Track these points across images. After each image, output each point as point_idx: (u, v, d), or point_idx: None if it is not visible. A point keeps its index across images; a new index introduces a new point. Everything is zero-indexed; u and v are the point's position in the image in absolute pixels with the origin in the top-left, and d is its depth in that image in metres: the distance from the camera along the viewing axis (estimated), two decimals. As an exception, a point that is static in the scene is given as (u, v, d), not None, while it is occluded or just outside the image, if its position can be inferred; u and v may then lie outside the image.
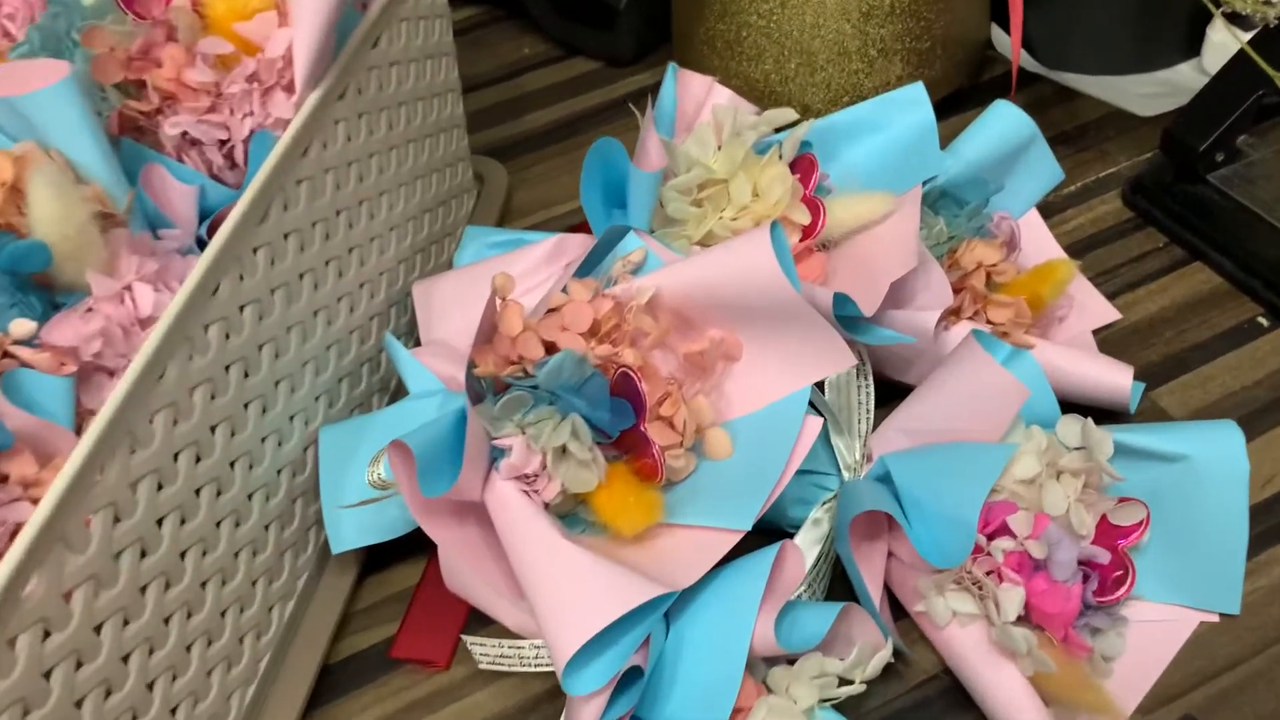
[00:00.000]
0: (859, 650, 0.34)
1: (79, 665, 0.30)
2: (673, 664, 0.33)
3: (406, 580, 0.44)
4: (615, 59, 0.68)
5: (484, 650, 0.39)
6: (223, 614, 0.37)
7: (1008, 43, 0.61)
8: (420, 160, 0.51)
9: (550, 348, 0.37)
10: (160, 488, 0.33)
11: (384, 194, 0.47)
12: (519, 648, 0.39)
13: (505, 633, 0.40)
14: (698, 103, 0.47)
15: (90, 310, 0.34)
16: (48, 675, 0.29)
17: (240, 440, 0.37)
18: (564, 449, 0.35)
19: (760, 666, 0.35)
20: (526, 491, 0.36)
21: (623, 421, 0.35)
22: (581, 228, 0.55)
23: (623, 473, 0.36)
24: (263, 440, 0.39)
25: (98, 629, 0.31)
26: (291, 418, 0.41)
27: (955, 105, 0.60)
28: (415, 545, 0.44)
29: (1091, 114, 0.61)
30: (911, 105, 0.47)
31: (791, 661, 0.34)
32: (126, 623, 0.32)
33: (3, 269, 0.32)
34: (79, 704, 0.31)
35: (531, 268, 0.47)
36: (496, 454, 0.36)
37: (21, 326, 0.33)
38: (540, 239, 0.49)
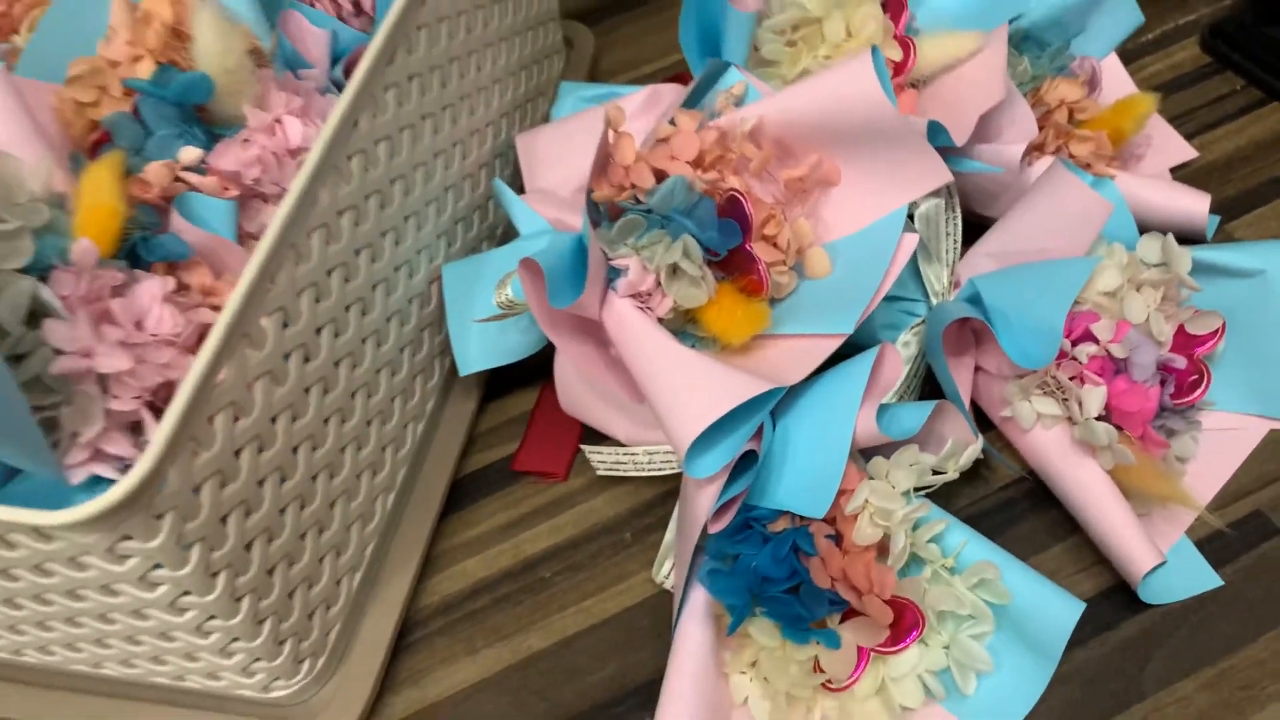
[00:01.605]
0: (952, 444, 0.37)
1: (260, 449, 0.35)
2: (780, 454, 0.37)
3: (522, 406, 0.48)
4: (694, -78, 0.69)
5: (601, 458, 0.43)
6: (368, 423, 0.41)
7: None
8: (518, 17, 0.53)
9: (660, 175, 0.40)
10: (318, 300, 0.37)
11: (489, 47, 0.50)
12: (632, 454, 0.43)
13: (616, 444, 0.44)
14: (787, -50, 0.49)
15: (247, 140, 0.37)
16: (237, 454, 0.33)
17: (379, 267, 0.41)
18: (676, 268, 0.38)
19: (859, 458, 0.38)
20: (641, 308, 0.39)
21: (730, 241, 0.38)
22: (675, 78, 0.57)
23: (729, 290, 0.39)
24: (396, 269, 0.43)
25: (274, 419, 0.35)
26: (419, 252, 0.45)
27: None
28: (530, 374, 0.48)
29: (1173, -39, 0.61)
30: (998, -54, 0.48)
31: (887, 455, 0.38)
32: (295, 419, 0.36)
33: (171, 100, 0.36)
34: (261, 483, 0.35)
35: (630, 116, 0.50)
36: (613, 274, 0.39)
37: (190, 153, 0.36)
38: (635, 90, 0.51)
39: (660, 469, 0.42)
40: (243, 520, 0.34)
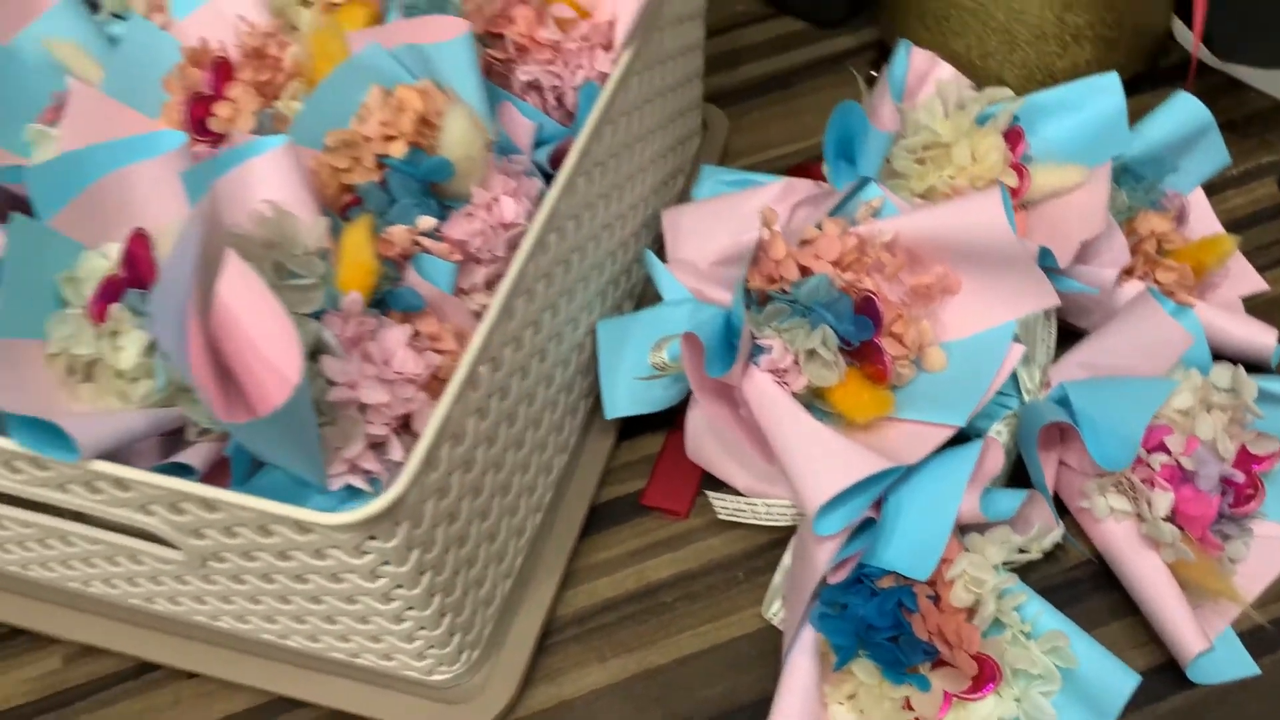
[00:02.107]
0: (1038, 528, 0.44)
1: (466, 471, 0.42)
2: (893, 521, 0.43)
3: (650, 448, 0.55)
4: (823, 21, 0.76)
5: (723, 504, 0.50)
6: (531, 452, 0.48)
7: (1188, 35, 0.68)
8: (672, 106, 0.60)
9: (804, 270, 0.47)
10: (516, 350, 0.44)
11: (650, 134, 0.57)
12: (752, 504, 0.49)
13: (735, 493, 0.51)
14: (920, 74, 0.56)
15: (470, 214, 0.45)
16: (450, 474, 0.40)
17: (556, 322, 0.48)
18: (813, 352, 0.45)
19: (958, 532, 0.44)
20: (779, 382, 0.46)
21: (863, 334, 0.45)
22: (796, 170, 0.64)
23: (857, 375, 0.46)
24: (566, 324, 0.50)
25: (475, 447, 0.42)
26: (582, 309, 0.52)
27: (1134, 88, 0.67)
28: (659, 421, 0.55)
29: (1257, 105, 0.67)
30: (1106, 92, 0.54)
31: (981, 531, 0.44)
32: (489, 447, 0.43)
33: (418, 178, 0.43)
34: (460, 500, 0.42)
35: (765, 203, 0.57)
36: (756, 350, 0.46)
37: (426, 222, 0.44)
38: (770, 180, 0.59)
39: (776, 520, 0.49)
40: (446, 529, 0.41)
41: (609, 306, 0.56)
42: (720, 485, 0.52)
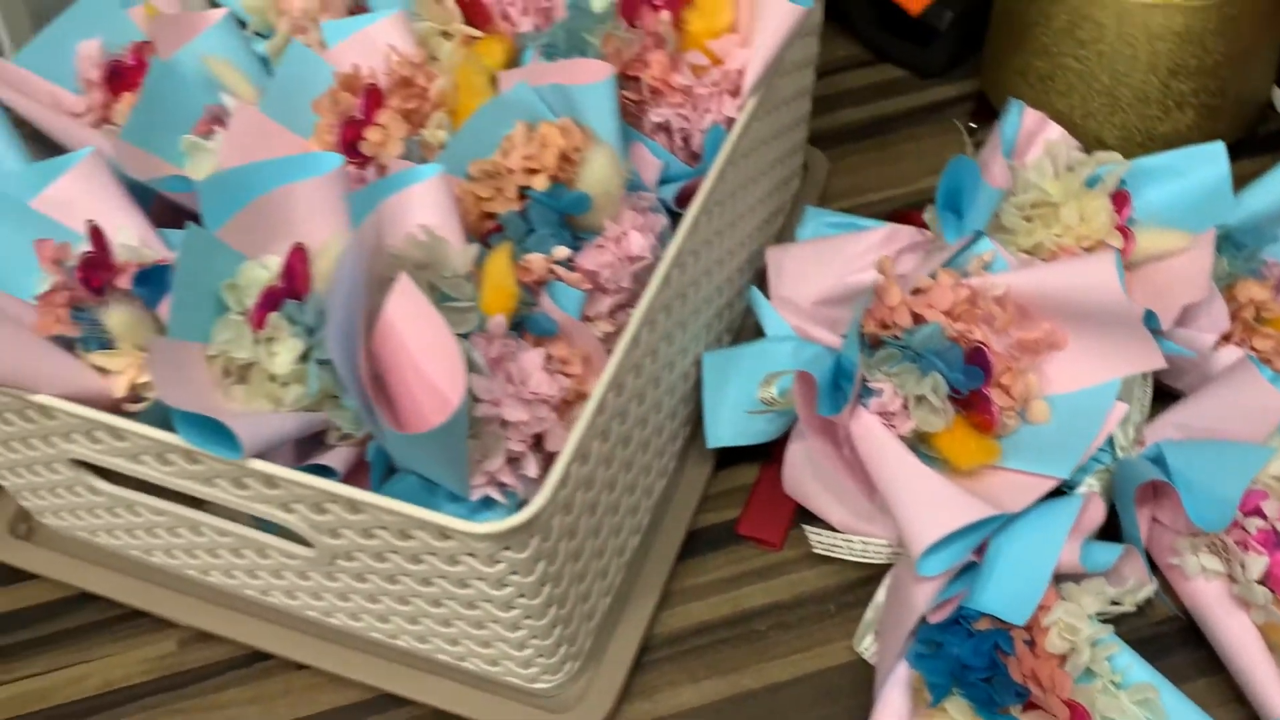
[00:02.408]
0: (1132, 583, 0.45)
1: (586, 490, 0.44)
2: (992, 566, 0.45)
3: (745, 477, 0.57)
4: (923, 71, 0.78)
5: (819, 538, 0.52)
6: (638, 474, 0.51)
7: (1288, 103, 0.69)
8: (781, 148, 0.63)
9: (917, 318, 0.48)
10: (637, 377, 0.46)
11: (762, 174, 0.59)
12: (849, 540, 0.51)
13: (830, 528, 0.52)
14: (1030, 133, 0.57)
15: (601, 246, 0.47)
16: (574, 491, 0.43)
17: (671, 351, 0.50)
18: (922, 397, 0.47)
19: (1054, 581, 0.46)
20: (887, 424, 0.47)
21: (972, 384, 0.47)
22: (897, 216, 0.66)
23: (963, 423, 0.48)
24: (678, 353, 0.52)
25: (595, 467, 0.44)
26: (692, 339, 0.54)
27: (1233, 154, 0.68)
28: (754, 451, 0.57)
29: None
30: (1211, 160, 0.56)
31: (1077, 581, 0.46)
32: (608, 468, 0.46)
33: (557, 210, 0.46)
34: (579, 516, 0.44)
35: (869, 249, 0.59)
36: (865, 393, 0.48)
37: (562, 252, 0.46)
38: (874, 225, 0.60)
39: (871, 558, 0.51)
40: (566, 544, 0.43)
41: (712, 338, 0.58)
42: (813, 518, 0.54)
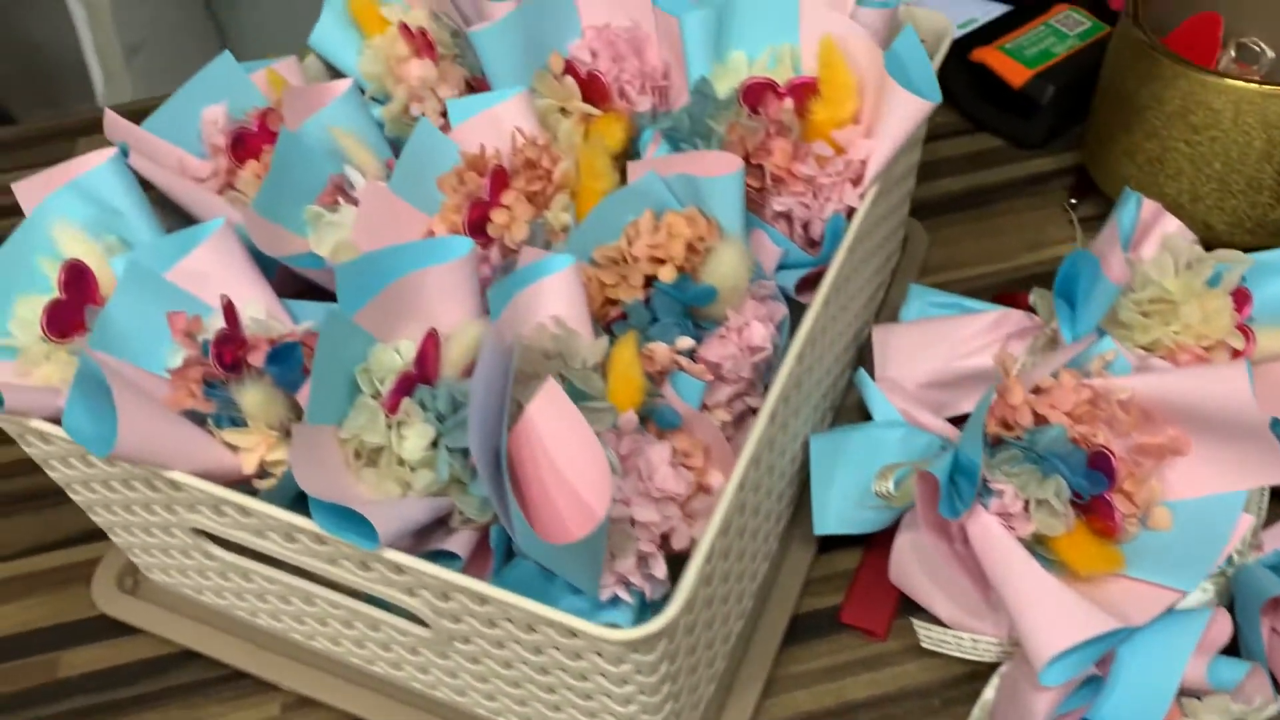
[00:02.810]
0: (1259, 700, 0.44)
1: (708, 584, 0.44)
2: (1115, 680, 0.44)
3: (848, 562, 0.57)
4: (1023, 143, 0.77)
5: (929, 633, 0.51)
6: (746, 560, 0.50)
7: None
8: (889, 226, 0.62)
9: (1038, 419, 0.48)
10: (757, 467, 0.46)
11: (872, 254, 0.59)
12: (959, 637, 0.51)
13: (934, 620, 0.52)
14: (1145, 224, 0.57)
15: (723, 336, 0.47)
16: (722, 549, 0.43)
17: (784, 439, 0.50)
18: (1044, 501, 0.47)
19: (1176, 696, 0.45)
20: (1006, 526, 0.47)
21: (1096, 489, 0.46)
22: (1003, 297, 0.66)
23: (1083, 527, 0.47)
24: (791, 440, 0.52)
25: (725, 552, 0.44)
26: (804, 424, 0.54)
27: (1343, 242, 0.68)
28: (855, 537, 0.56)
29: None
30: (1334, 257, 0.55)
31: (1199, 696, 0.45)
32: (725, 559, 0.45)
33: (685, 301, 0.46)
34: (698, 609, 0.44)
35: (977, 333, 0.58)
36: (985, 493, 0.48)
37: (685, 342, 0.46)
38: (981, 308, 0.60)
39: (981, 655, 0.50)
40: (685, 639, 0.43)
41: (818, 418, 0.58)
42: (916, 608, 0.53)
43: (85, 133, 0.91)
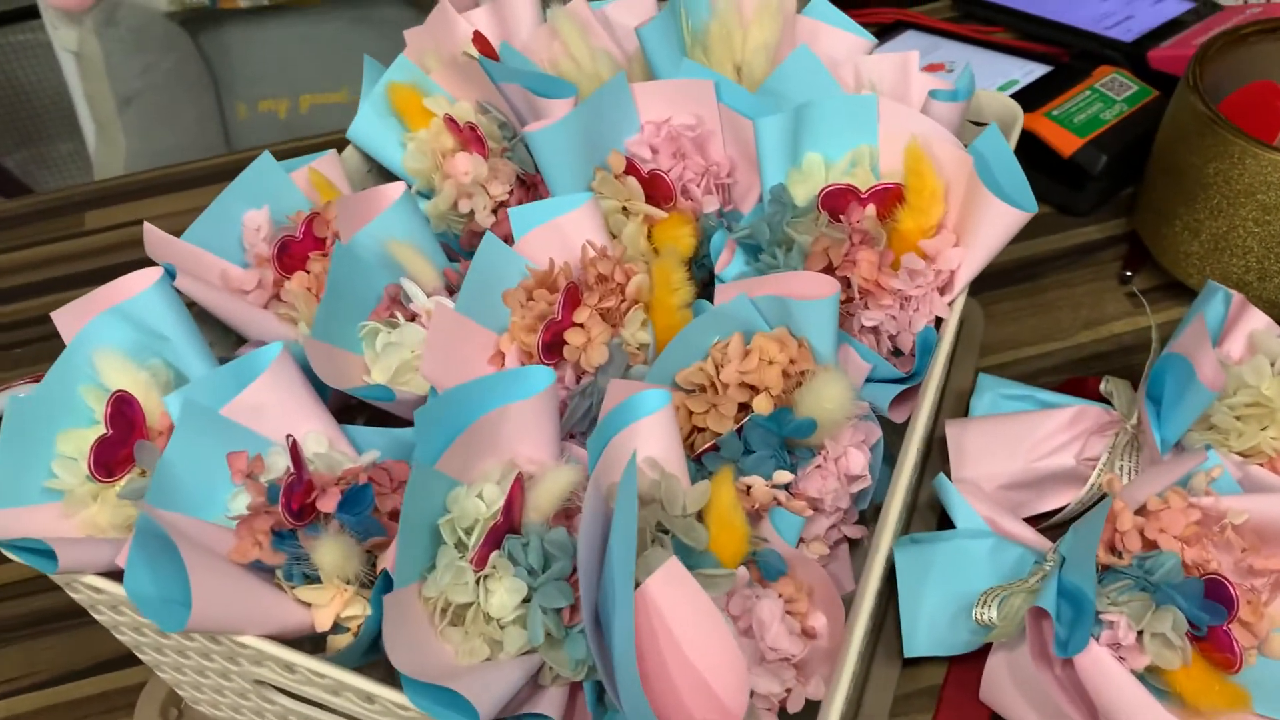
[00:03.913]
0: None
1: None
2: (1246, 826, 0.42)
3: (933, 677, 0.54)
4: (1071, 210, 0.76)
5: (1030, 761, 0.49)
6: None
7: None
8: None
9: (1148, 544, 0.46)
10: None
11: (943, 350, 0.57)
12: (1063, 767, 0.48)
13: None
14: (1230, 319, 0.55)
15: (820, 466, 0.45)
16: None
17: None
18: (1160, 634, 0.44)
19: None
20: (1119, 658, 0.45)
21: (1215, 620, 0.44)
22: (1071, 385, 0.64)
23: (1199, 660, 0.45)
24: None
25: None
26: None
27: None
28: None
29: None
30: None
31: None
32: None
33: (783, 435, 0.43)
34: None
35: (1058, 429, 0.56)
36: (1096, 623, 0.45)
37: (783, 476, 0.44)
38: (1057, 401, 0.58)
39: (1087, 787, 0.48)
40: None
41: (898, 526, 0.55)
42: (1007, 728, 0.51)
43: (93, 205, 0.87)
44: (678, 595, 0.34)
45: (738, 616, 0.39)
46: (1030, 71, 0.81)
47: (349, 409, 0.54)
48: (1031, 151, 0.75)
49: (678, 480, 0.41)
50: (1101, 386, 0.59)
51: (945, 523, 0.56)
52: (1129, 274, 0.72)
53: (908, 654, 0.51)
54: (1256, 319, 0.55)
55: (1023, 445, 0.56)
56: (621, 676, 0.33)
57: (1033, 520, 0.57)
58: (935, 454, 0.61)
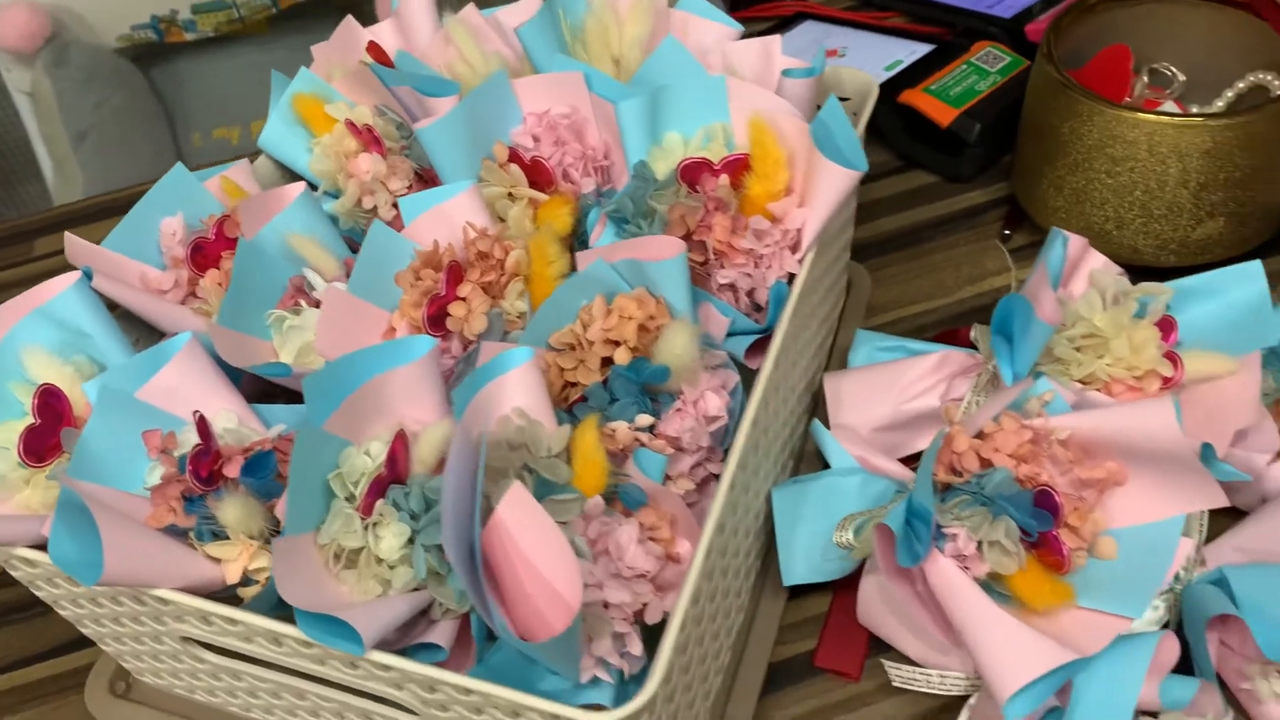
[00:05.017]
0: (1211, 716, 0.47)
1: (683, 651, 0.46)
2: (1074, 709, 0.47)
3: (818, 606, 0.59)
4: (954, 178, 0.81)
5: (899, 672, 0.54)
6: (720, 617, 0.52)
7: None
8: (831, 277, 0.65)
9: (984, 463, 0.50)
10: (719, 534, 0.48)
11: (817, 307, 0.62)
12: (928, 674, 0.53)
13: (904, 658, 0.54)
14: (1073, 260, 0.60)
15: (680, 409, 0.49)
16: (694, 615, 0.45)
17: (746, 498, 0.52)
18: (995, 541, 0.49)
19: (1135, 716, 0.48)
20: (962, 567, 0.49)
21: (1042, 526, 0.49)
22: (944, 335, 0.68)
23: (1035, 563, 0.49)
24: (754, 498, 0.54)
25: (687, 627, 0.46)
26: (764, 480, 0.56)
27: (1262, 253, 0.71)
28: (825, 581, 0.59)
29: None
30: (1250, 279, 0.58)
31: (1154, 714, 0.47)
32: (699, 624, 0.47)
33: (641, 381, 0.48)
34: (683, 648, 0.46)
35: (924, 374, 0.61)
36: (940, 537, 0.50)
37: (645, 420, 0.48)
38: (926, 350, 0.63)
39: (949, 690, 0.53)
40: (667, 705, 0.45)
41: (779, 470, 0.60)
42: (886, 648, 0.56)
43: (42, 233, 0.92)
44: (523, 515, 0.39)
45: (595, 539, 0.43)
46: (914, 51, 0.86)
47: (270, 394, 0.59)
48: (914, 125, 0.80)
49: (542, 425, 0.46)
50: (971, 334, 0.64)
51: (831, 468, 0.61)
52: (1007, 232, 0.76)
53: (786, 582, 0.56)
54: (1096, 259, 0.59)
55: (892, 390, 0.61)
56: (468, 581, 0.38)
57: (909, 460, 0.62)
58: (822, 406, 0.66)
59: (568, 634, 0.38)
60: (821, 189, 0.52)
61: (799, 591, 0.59)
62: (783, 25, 0.96)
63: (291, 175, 0.67)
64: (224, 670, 0.52)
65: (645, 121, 0.56)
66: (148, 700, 0.59)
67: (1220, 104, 0.75)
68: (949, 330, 0.68)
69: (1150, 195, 0.67)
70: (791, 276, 0.54)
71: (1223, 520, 0.56)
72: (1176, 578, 0.53)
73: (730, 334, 0.54)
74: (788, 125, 0.54)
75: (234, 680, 0.53)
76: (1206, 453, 0.51)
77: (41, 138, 1.42)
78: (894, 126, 0.82)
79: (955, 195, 0.80)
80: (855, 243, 0.77)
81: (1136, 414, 0.49)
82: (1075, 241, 0.60)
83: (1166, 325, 0.57)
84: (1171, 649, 0.47)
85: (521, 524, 0.39)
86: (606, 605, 0.43)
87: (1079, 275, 0.59)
